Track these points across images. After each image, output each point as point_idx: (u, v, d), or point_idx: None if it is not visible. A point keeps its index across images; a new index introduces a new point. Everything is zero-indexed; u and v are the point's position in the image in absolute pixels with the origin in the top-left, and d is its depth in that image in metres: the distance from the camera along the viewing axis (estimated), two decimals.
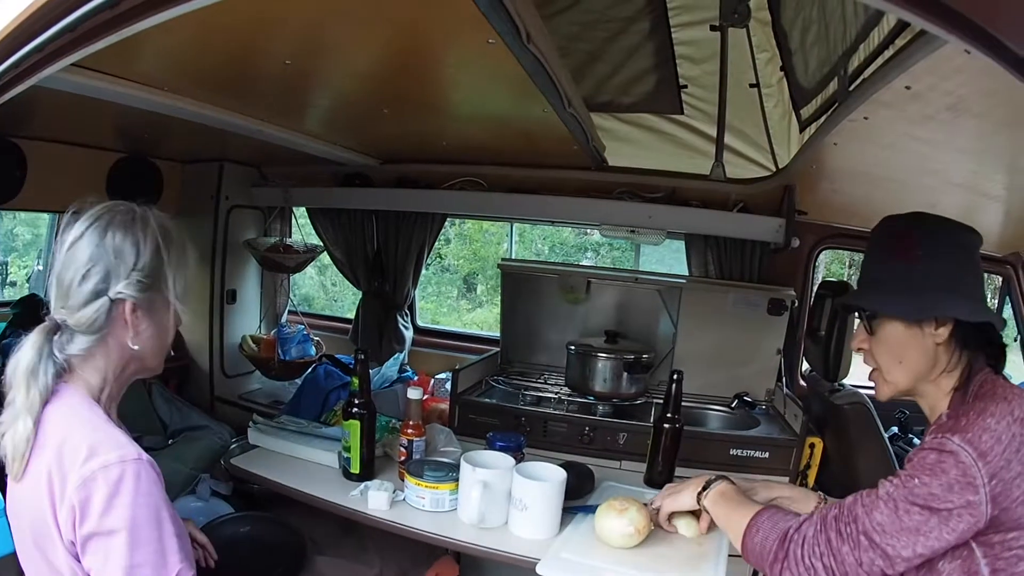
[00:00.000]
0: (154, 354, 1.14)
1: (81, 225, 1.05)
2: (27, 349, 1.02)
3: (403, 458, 1.73)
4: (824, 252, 2.71)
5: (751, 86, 2.43)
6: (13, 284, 4.29)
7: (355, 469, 1.70)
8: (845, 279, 4.40)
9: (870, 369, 1.25)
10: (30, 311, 2.53)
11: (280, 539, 1.65)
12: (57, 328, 1.04)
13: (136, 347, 1.08)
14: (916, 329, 1.15)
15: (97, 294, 1.04)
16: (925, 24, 0.68)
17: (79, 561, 0.96)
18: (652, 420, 1.87)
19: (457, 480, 1.56)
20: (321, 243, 3.24)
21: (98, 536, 0.94)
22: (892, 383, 1.20)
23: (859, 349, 1.25)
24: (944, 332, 1.13)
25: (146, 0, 0.72)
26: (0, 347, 2.36)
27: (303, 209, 3.30)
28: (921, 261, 1.13)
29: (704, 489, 1.33)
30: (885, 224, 1.22)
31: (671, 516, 1.44)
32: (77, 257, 1.04)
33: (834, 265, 7.39)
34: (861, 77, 1.38)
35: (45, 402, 1.02)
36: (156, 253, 1.07)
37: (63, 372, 1.05)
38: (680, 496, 1.39)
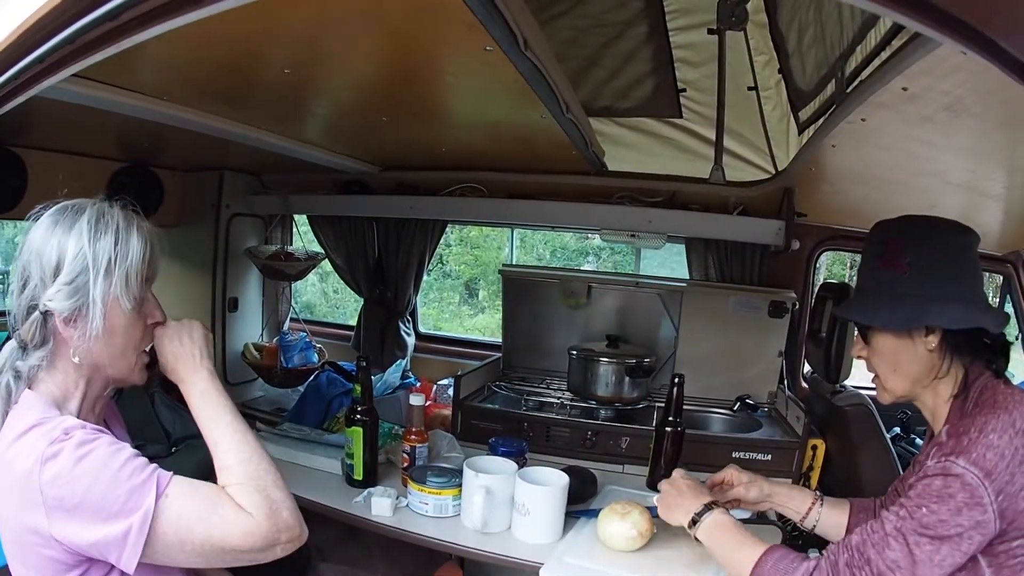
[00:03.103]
0: (112, 362, 1.05)
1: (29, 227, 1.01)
2: None
3: (406, 464, 1.74)
4: (825, 254, 2.71)
5: (749, 89, 2.43)
6: None
7: (358, 476, 1.71)
8: (846, 280, 4.40)
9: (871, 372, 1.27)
10: None
11: None
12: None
13: (76, 359, 1.01)
14: (907, 338, 1.15)
15: (31, 307, 0.99)
16: (919, 27, 0.68)
17: None
18: (654, 424, 1.87)
19: (460, 486, 1.57)
20: (322, 250, 3.25)
21: None
22: (890, 390, 1.22)
23: (859, 357, 1.27)
24: (934, 339, 1.13)
25: (146, 12, 0.72)
26: None
27: (304, 217, 3.31)
28: (908, 269, 1.13)
29: (695, 522, 1.29)
30: (876, 230, 1.23)
31: None
32: (16, 266, 1.00)
33: (835, 266, 7.40)
34: (858, 79, 1.38)
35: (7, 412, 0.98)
36: (79, 254, 0.98)
37: (27, 382, 1.01)
38: (674, 513, 1.35)
